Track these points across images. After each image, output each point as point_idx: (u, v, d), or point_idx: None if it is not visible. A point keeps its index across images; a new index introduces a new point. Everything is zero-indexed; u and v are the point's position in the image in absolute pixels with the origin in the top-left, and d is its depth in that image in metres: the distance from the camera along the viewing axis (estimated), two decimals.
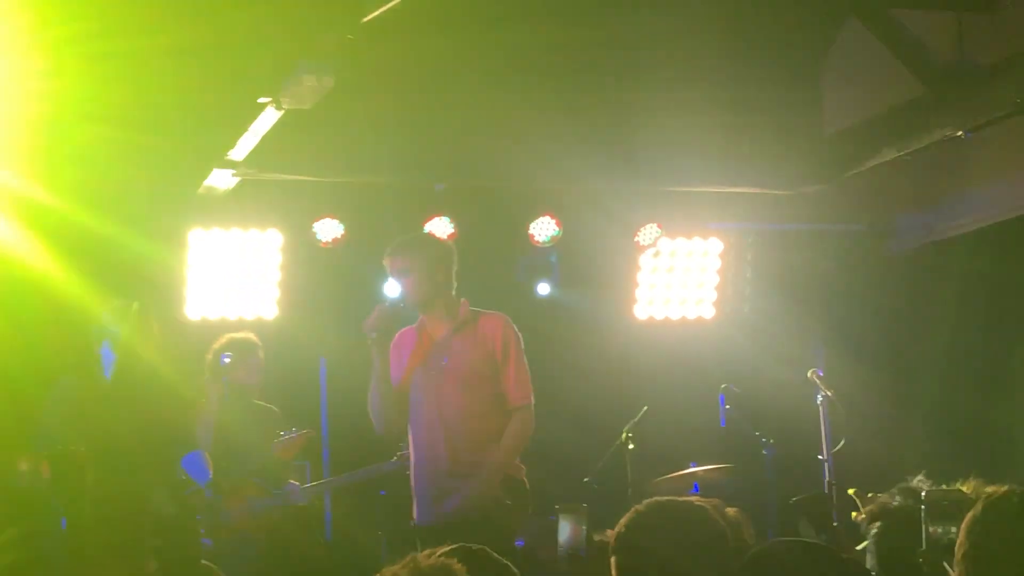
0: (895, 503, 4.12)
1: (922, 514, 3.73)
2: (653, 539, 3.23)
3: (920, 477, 4.23)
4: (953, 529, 3.61)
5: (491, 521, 6.28)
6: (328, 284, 9.77)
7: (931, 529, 3.68)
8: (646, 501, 3.39)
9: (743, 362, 10.13)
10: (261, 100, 6.86)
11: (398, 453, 8.93)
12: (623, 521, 3.33)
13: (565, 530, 4.59)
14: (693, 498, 3.45)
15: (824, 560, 3.26)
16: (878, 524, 4.10)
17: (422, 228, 9.29)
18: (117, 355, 6.81)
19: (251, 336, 8.61)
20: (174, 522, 3.10)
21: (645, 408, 9.24)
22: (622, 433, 9.03)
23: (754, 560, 3.28)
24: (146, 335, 7.01)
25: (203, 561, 3.58)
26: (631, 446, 8.87)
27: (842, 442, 8.37)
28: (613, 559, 3.29)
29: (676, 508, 3.34)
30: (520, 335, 6.69)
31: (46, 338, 7.82)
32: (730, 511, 3.95)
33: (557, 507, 4.80)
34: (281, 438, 8.33)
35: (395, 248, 6.63)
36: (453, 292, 6.68)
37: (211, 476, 7.04)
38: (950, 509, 3.67)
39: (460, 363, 6.53)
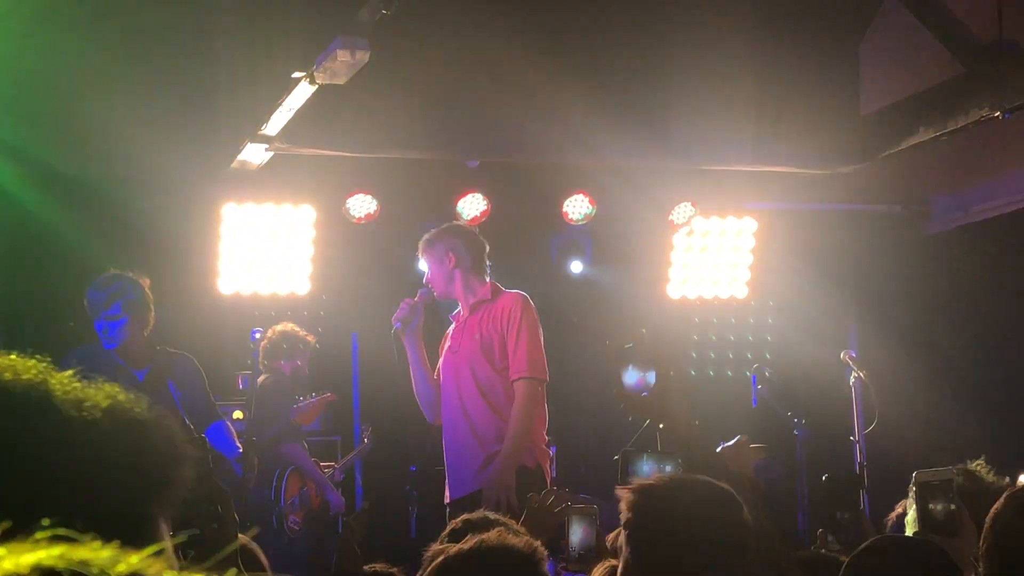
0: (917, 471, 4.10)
1: (912, 495, 3.78)
2: (672, 505, 3.17)
3: (980, 462, 4.24)
4: (952, 507, 3.72)
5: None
6: (361, 260, 9.79)
7: (929, 507, 3.73)
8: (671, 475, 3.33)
9: (775, 342, 10.11)
10: (295, 75, 6.85)
11: (366, 435, 9.15)
12: (646, 481, 3.25)
13: (577, 531, 4.58)
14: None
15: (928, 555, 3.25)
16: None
17: (455, 205, 9.29)
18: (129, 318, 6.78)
19: (299, 330, 8.73)
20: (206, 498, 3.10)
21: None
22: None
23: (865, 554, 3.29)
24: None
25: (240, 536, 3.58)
26: (661, 425, 8.85)
27: (874, 423, 8.35)
28: (625, 519, 3.19)
29: (701, 482, 3.28)
30: (533, 311, 6.74)
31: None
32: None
33: (568, 505, 4.80)
34: (300, 403, 8.38)
35: (420, 245, 6.89)
36: (484, 277, 6.86)
37: (240, 450, 7.02)
38: (940, 488, 3.74)
39: (473, 342, 6.70)
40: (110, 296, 6.72)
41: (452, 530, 3.91)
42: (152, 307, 6.85)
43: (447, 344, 6.88)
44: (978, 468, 4.34)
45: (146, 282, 6.88)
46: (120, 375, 6.79)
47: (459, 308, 6.91)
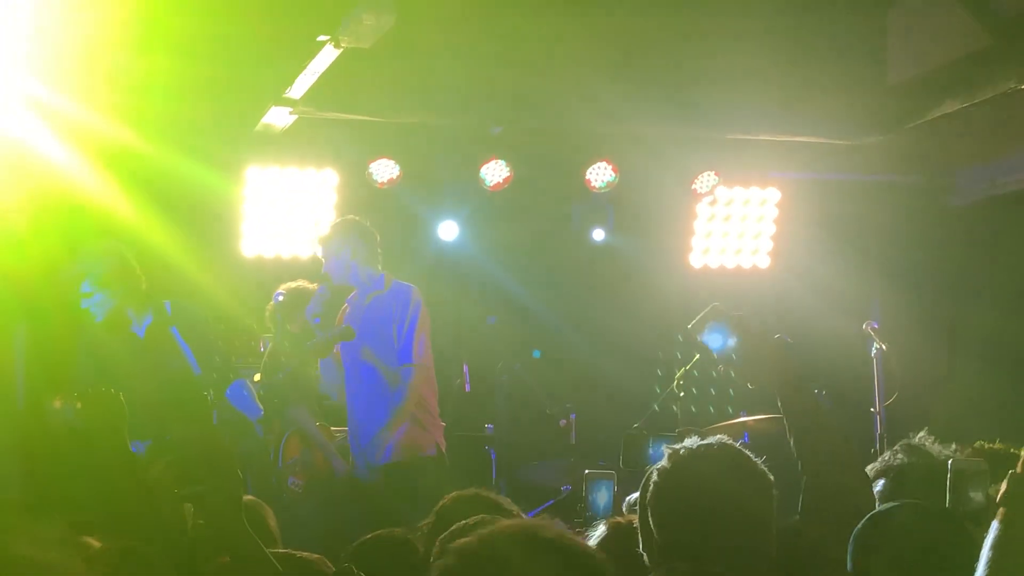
0: (898, 461, 4.07)
1: (947, 483, 3.77)
2: (692, 478, 3.17)
3: (922, 434, 4.21)
4: (982, 497, 3.73)
5: (410, 476, 7.19)
6: (383, 225, 9.78)
7: (962, 496, 3.73)
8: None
9: (798, 313, 10.06)
10: (320, 38, 6.84)
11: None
12: (666, 458, 3.24)
13: (593, 495, 4.60)
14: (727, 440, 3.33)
15: (948, 526, 3.25)
16: (882, 482, 4.05)
17: (478, 171, 9.30)
18: (101, 294, 6.80)
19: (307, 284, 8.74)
20: (208, 462, 3.12)
21: (697, 356, 9.21)
22: (674, 380, 9.01)
23: (873, 521, 3.29)
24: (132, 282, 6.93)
25: (248, 496, 3.60)
26: (682, 393, 8.86)
27: (895, 395, 8.32)
28: (652, 491, 3.20)
29: (716, 451, 3.26)
30: (425, 307, 7.42)
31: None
32: None
33: (587, 472, 4.84)
34: (317, 339, 8.40)
35: (317, 238, 7.65)
36: (377, 267, 7.48)
37: (262, 412, 7.04)
38: (975, 478, 3.74)
39: (369, 327, 7.34)
40: (77, 276, 6.79)
41: (443, 506, 3.93)
42: (131, 270, 6.86)
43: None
44: (921, 441, 4.32)
45: (119, 249, 6.88)
46: (121, 342, 6.84)
47: (355, 294, 7.48)
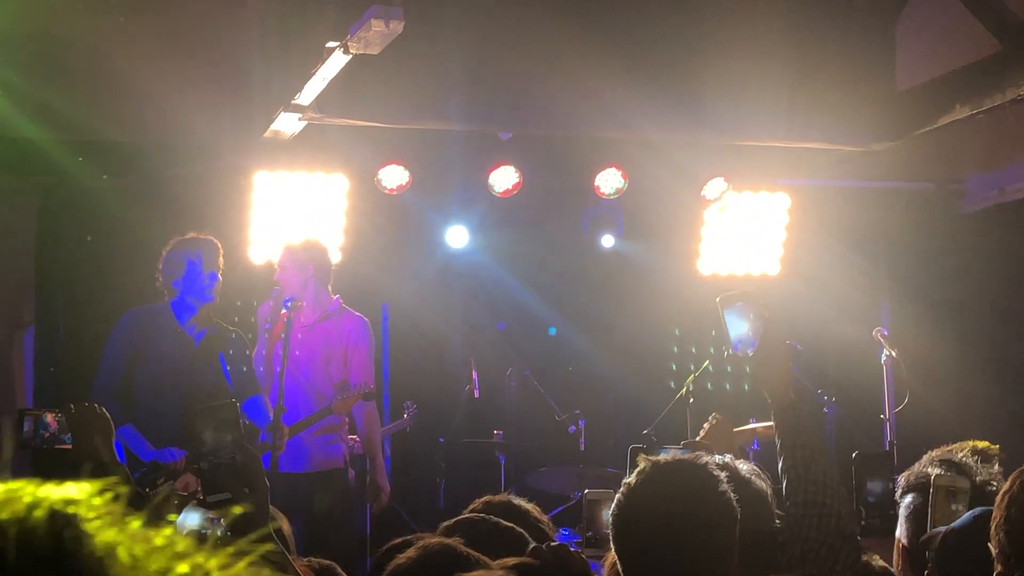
0: (936, 474, 4.04)
1: (930, 499, 3.76)
2: (648, 511, 3.05)
3: (964, 453, 4.18)
4: (961, 508, 3.71)
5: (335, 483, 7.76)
6: (392, 230, 9.79)
7: (938, 515, 3.72)
8: (650, 462, 3.17)
9: (807, 319, 10.07)
10: (329, 45, 6.84)
11: (407, 412, 9.25)
12: (622, 490, 3.08)
13: (595, 516, 4.61)
14: (704, 458, 3.17)
15: None
16: (913, 495, 4.01)
17: (487, 177, 9.30)
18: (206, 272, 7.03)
19: None
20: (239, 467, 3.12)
21: (707, 362, 9.23)
22: (683, 386, 9.01)
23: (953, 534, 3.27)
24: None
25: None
26: (692, 399, 8.85)
27: (905, 402, 8.31)
28: (611, 530, 3.15)
29: (681, 473, 3.10)
30: (373, 339, 7.95)
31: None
32: (743, 466, 3.72)
33: (586, 492, 4.84)
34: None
35: (281, 251, 7.86)
36: (327, 288, 7.80)
37: (271, 419, 7.09)
38: (958, 496, 3.74)
39: (319, 344, 7.71)
40: (181, 259, 7.03)
41: (473, 509, 3.92)
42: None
43: (286, 335, 7.49)
44: (963, 458, 4.29)
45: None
46: (177, 339, 7.00)
47: (294, 307, 7.54)
